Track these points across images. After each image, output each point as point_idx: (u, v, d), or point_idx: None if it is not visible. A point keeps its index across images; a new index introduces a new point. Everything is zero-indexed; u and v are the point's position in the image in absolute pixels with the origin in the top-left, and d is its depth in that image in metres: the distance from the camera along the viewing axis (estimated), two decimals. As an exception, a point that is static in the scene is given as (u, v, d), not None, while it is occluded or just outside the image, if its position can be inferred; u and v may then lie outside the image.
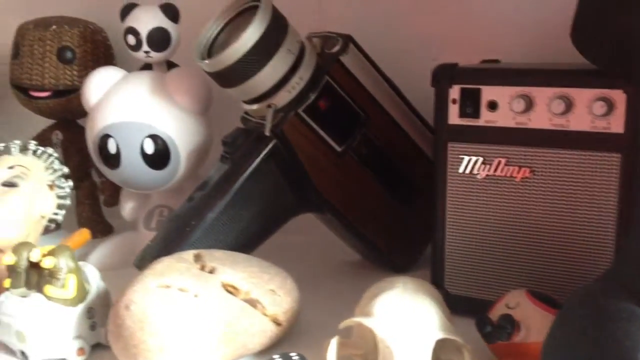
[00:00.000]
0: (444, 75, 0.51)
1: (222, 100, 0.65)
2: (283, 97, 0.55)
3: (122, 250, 0.66)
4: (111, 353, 0.47)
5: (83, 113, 0.75)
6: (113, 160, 0.62)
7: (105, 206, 0.76)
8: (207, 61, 0.54)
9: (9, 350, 0.48)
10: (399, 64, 0.63)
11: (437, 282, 0.53)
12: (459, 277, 0.53)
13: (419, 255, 0.64)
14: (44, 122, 0.79)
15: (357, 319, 0.40)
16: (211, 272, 0.46)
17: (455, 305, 0.48)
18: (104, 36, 0.75)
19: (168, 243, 0.55)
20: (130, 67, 0.69)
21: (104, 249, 0.66)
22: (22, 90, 0.73)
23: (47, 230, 0.58)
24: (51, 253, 0.46)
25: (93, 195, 0.76)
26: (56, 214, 0.56)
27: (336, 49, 0.57)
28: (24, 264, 0.47)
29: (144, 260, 0.55)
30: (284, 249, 0.59)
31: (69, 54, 0.72)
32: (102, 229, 0.76)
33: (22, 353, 0.46)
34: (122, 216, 0.70)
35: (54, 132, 0.75)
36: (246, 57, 0.53)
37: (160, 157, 0.62)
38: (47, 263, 0.45)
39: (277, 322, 0.47)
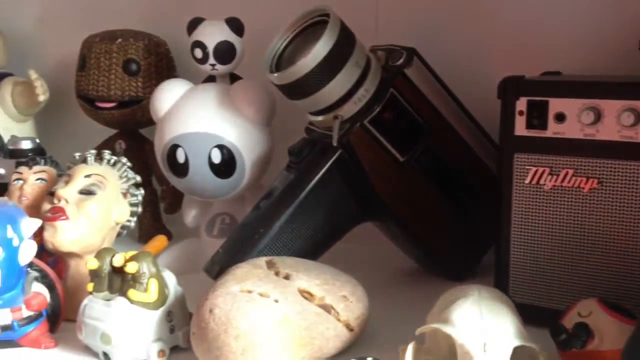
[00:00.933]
0: (511, 87, 0.52)
1: (285, 111, 0.67)
2: (349, 109, 0.57)
3: (186, 256, 0.68)
4: (188, 356, 0.49)
5: (145, 123, 0.78)
6: (181, 169, 0.64)
7: (166, 213, 0.78)
8: (276, 74, 0.56)
9: (91, 352, 0.50)
10: (459, 76, 0.64)
11: (500, 290, 0.54)
12: (523, 286, 0.54)
13: (476, 264, 0.65)
14: (106, 132, 0.82)
15: (436, 325, 0.41)
16: (286, 278, 0.47)
17: (519, 313, 0.49)
18: (167, 49, 0.77)
19: (237, 250, 0.57)
20: (189, 78, 0.72)
21: (170, 255, 0.68)
22: (88, 101, 0.76)
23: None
24: (133, 258, 0.48)
25: (154, 203, 0.78)
26: (129, 221, 0.58)
27: (400, 61, 0.58)
28: (106, 268, 0.49)
29: (214, 265, 0.57)
30: (340, 257, 0.60)
31: (134, 66, 0.74)
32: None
33: (105, 354, 0.48)
34: (185, 223, 0.72)
35: (117, 141, 0.78)
36: (315, 71, 0.54)
37: (226, 166, 0.64)
38: (131, 268, 0.47)
39: (349, 328, 0.48)
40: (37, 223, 0.51)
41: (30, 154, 0.69)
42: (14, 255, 0.49)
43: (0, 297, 0.49)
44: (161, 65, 0.76)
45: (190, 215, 0.71)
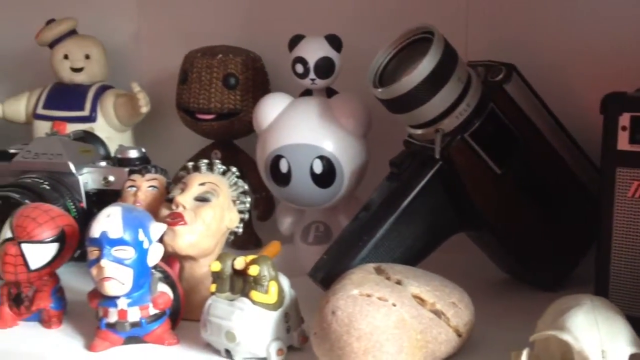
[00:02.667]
0: (614, 103, 0.54)
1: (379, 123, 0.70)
2: (450, 123, 0.59)
3: (284, 262, 0.71)
4: (302, 355, 0.52)
5: (240, 134, 0.82)
6: (283, 179, 0.67)
7: (259, 220, 0.82)
8: (380, 89, 0.59)
9: (210, 349, 0.53)
10: (552, 91, 0.66)
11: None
12: (624, 297, 0.55)
13: (568, 275, 0.66)
14: (197, 141, 0.86)
15: (552, 332, 0.43)
16: (398, 283, 0.50)
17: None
18: (262, 64, 0.81)
19: (341, 257, 0.59)
20: (281, 92, 0.75)
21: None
22: (188, 112, 0.80)
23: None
24: (254, 262, 0.51)
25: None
26: (237, 227, 0.62)
27: (500, 77, 0.61)
28: (228, 271, 0.52)
29: (319, 271, 0.60)
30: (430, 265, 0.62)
31: (232, 81, 0.78)
32: (253, 242, 0.81)
33: (227, 351, 0.51)
34: (280, 230, 0.75)
35: (214, 151, 0.82)
36: (420, 87, 0.57)
37: (326, 176, 0.67)
38: (253, 271, 0.50)
39: (458, 333, 0.50)
40: (162, 227, 0.55)
41: (137, 163, 0.73)
42: (144, 257, 0.53)
43: (131, 295, 0.53)
44: (257, 79, 0.80)
45: (285, 222, 0.74)
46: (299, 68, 0.69)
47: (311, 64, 0.68)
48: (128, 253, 0.51)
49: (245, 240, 0.76)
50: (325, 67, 0.69)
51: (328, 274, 0.59)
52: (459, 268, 0.72)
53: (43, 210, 0.57)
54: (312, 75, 0.69)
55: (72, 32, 0.88)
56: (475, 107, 0.59)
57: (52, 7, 0.94)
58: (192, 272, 0.60)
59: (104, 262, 0.51)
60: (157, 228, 0.54)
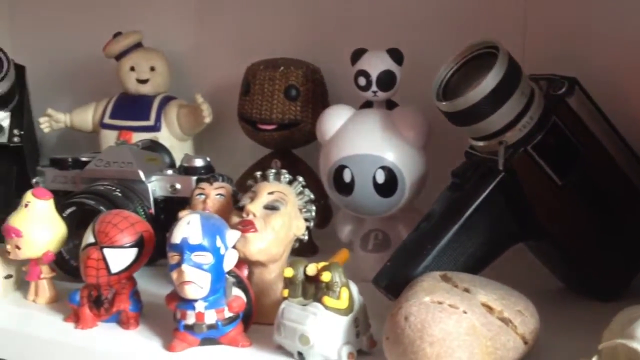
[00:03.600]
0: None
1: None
2: (513, 135, 0.61)
3: (344, 268, 0.73)
4: (369, 359, 0.54)
5: (300, 143, 0.84)
6: (347, 188, 0.69)
7: (316, 228, 0.84)
8: (444, 103, 0.61)
9: (282, 351, 0.56)
10: (611, 103, 0.67)
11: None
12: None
13: (627, 285, 0.67)
14: (253, 150, 0.89)
15: (620, 341, 0.44)
16: (466, 291, 0.52)
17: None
18: (321, 76, 0.84)
19: (405, 264, 0.61)
20: (339, 102, 0.77)
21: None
22: (250, 122, 0.83)
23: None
24: (326, 268, 0.53)
25: (304, 218, 0.84)
26: (303, 234, 0.64)
27: (563, 90, 0.62)
28: (300, 277, 0.55)
29: (383, 278, 0.62)
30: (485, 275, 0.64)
31: (294, 92, 0.81)
32: (310, 249, 0.83)
33: (300, 354, 0.53)
34: (339, 238, 0.77)
35: (274, 160, 0.84)
36: (485, 100, 0.58)
37: (388, 186, 0.69)
38: (325, 277, 0.53)
39: (524, 341, 0.52)
40: (237, 234, 0.58)
41: (202, 171, 0.76)
42: (220, 262, 0.55)
43: (207, 299, 0.55)
44: (317, 91, 0.82)
45: (345, 230, 0.76)
46: (362, 81, 0.71)
47: (373, 76, 0.70)
48: (207, 258, 0.54)
49: (302, 247, 0.78)
50: (387, 80, 0.71)
51: (392, 281, 0.61)
52: (515, 277, 0.73)
53: (123, 217, 0.60)
54: (374, 87, 0.71)
55: (138, 45, 0.91)
56: (538, 120, 0.61)
57: (117, 20, 0.98)
58: (262, 277, 0.62)
59: (184, 267, 0.54)
60: (232, 235, 0.57)
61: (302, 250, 0.80)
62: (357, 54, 0.72)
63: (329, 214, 0.83)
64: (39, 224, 0.64)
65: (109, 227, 0.59)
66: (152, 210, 0.75)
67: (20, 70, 0.92)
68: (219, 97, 0.92)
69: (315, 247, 0.84)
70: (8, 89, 0.88)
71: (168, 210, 0.74)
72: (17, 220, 0.64)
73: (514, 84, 0.59)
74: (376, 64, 0.71)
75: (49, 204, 0.65)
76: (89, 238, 0.60)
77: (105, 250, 0.59)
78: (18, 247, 0.64)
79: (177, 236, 0.54)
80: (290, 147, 0.84)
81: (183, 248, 0.54)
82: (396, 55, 0.71)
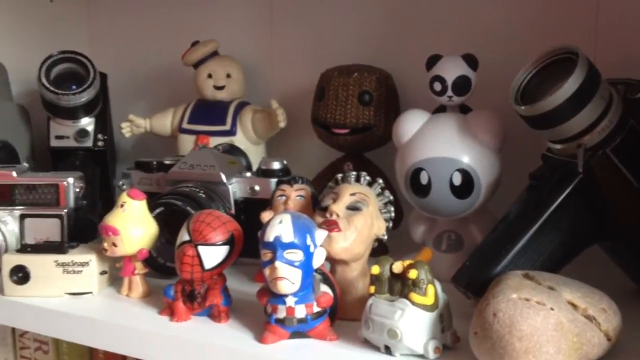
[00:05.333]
0: None
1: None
2: (592, 139, 0.62)
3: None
4: (455, 354, 0.56)
5: (371, 147, 0.87)
6: (423, 190, 0.72)
7: (389, 229, 0.86)
8: (523, 107, 0.62)
9: (368, 345, 0.58)
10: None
11: None
12: None
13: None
14: (322, 153, 0.92)
15: None
16: (551, 289, 0.53)
17: None
18: (393, 81, 0.86)
19: (485, 263, 0.63)
20: (410, 107, 0.79)
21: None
22: (324, 127, 0.86)
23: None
24: (412, 266, 0.56)
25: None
26: (383, 234, 0.67)
27: (640, 94, 0.63)
28: (386, 274, 0.57)
29: (462, 277, 0.64)
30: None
31: (367, 97, 0.83)
32: (381, 249, 0.85)
33: (387, 348, 0.56)
34: (413, 238, 0.80)
35: (346, 163, 0.87)
36: (565, 105, 0.60)
37: (465, 188, 0.71)
38: (412, 274, 0.55)
39: (608, 337, 0.53)
40: (324, 234, 0.60)
41: (280, 173, 0.79)
42: (310, 259, 0.58)
43: (297, 294, 0.58)
44: (389, 96, 0.85)
45: (418, 231, 0.79)
46: (437, 86, 0.73)
47: (449, 82, 0.73)
48: (298, 256, 0.57)
49: (374, 247, 0.81)
50: (462, 85, 0.73)
51: (472, 280, 0.63)
52: (589, 277, 0.74)
53: (215, 216, 0.64)
54: (449, 92, 0.73)
55: (215, 53, 0.95)
56: (617, 123, 0.62)
57: (193, 29, 1.02)
58: (344, 275, 0.65)
59: (277, 264, 0.57)
60: (320, 234, 0.60)
61: (374, 250, 0.82)
62: (433, 60, 0.74)
63: (400, 216, 0.85)
64: (133, 223, 0.68)
65: (203, 225, 0.63)
66: (233, 211, 0.78)
67: (103, 77, 0.97)
68: (290, 102, 0.95)
69: (386, 247, 0.87)
70: (94, 96, 0.93)
71: (247, 211, 0.78)
72: (114, 219, 0.68)
73: (593, 88, 0.60)
74: (452, 69, 0.73)
75: (142, 205, 0.69)
76: (184, 236, 0.63)
77: (200, 248, 0.62)
78: (115, 245, 0.68)
79: (270, 234, 0.57)
80: (363, 150, 0.87)
81: (276, 246, 0.57)
82: (471, 60, 0.73)
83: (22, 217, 0.71)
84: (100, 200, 0.96)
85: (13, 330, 0.94)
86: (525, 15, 0.83)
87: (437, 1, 0.88)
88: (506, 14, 0.84)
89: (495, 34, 0.84)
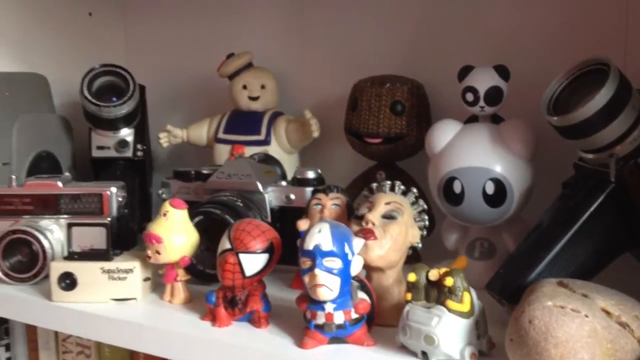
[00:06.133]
0: None
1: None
2: (624, 148, 0.63)
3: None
4: (489, 360, 0.58)
5: (404, 156, 0.89)
6: (456, 199, 0.73)
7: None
8: (556, 117, 0.64)
9: (404, 351, 0.60)
10: None
11: None
12: None
13: None
14: (352, 162, 0.94)
15: None
16: (585, 296, 0.55)
17: None
18: (424, 91, 0.88)
19: (518, 272, 0.64)
20: (441, 117, 0.81)
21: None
22: (357, 136, 0.88)
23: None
24: (448, 274, 0.57)
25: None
26: (418, 242, 0.68)
27: (672, 104, 0.64)
28: (423, 281, 0.59)
29: (496, 284, 0.65)
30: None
31: (399, 107, 0.85)
32: (414, 257, 0.87)
33: (424, 353, 0.57)
34: (445, 245, 0.81)
35: (379, 172, 0.89)
36: (596, 115, 0.61)
37: (498, 197, 0.72)
38: (448, 282, 0.57)
39: (641, 344, 0.54)
40: (361, 242, 0.62)
41: (314, 182, 0.82)
42: (348, 267, 0.60)
43: (336, 301, 0.60)
44: (421, 105, 0.87)
45: (451, 239, 0.80)
46: (469, 96, 0.75)
47: (481, 92, 0.74)
48: (336, 263, 0.59)
49: (407, 254, 0.82)
50: (494, 96, 0.74)
51: (506, 288, 0.64)
52: (619, 285, 0.75)
53: (255, 225, 0.66)
54: (481, 103, 0.74)
55: (249, 65, 0.98)
56: (648, 133, 0.63)
57: (227, 41, 1.05)
58: (380, 282, 0.67)
59: (317, 271, 0.59)
60: (357, 242, 0.61)
61: (407, 258, 0.84)
62: (465, 71, 0.76)
63: (432, 223, 0.86)
64: (176, 231, 0.71)
65: (244, 234, 0.65)
66: (269, 219, 0.80)
67: (141, 89, 1.00)
68: (322, 111, 0.97)
69: (419, 255, 0.88)
70: (133, 108, 0.96)
71: (283, 219, 0.80)
72: (157, 227, 0.70)
73: (625, 99, 0.62)
74: (484, 80, 0.74)
75: (184, 213, 0.72)
76: (225, 244, 0.66)
77: (241, 255, 0.64)
78: (158, 252, 0.70)
79: (309, 243, 0.59)
80: (395, 159, 0.89)
81: (315, 254, 0.59)
82: (503, 71, 0.75)
83: (70, 225, 0.74)
84: (140, 209, 0.99)
85: (56, 334, 0.97)
86: (556, 26, 0.84)
87: (469, 12, 0.90)
88: (537, 25, 0.86)
89: (526, 45, 0.86)
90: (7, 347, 1.01)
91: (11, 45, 1.02)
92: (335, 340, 0.61)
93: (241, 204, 0.79)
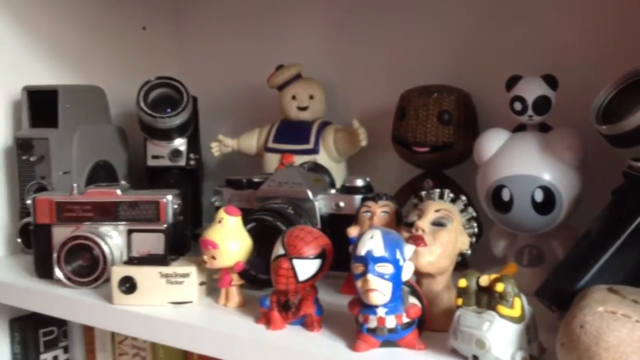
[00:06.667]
0: None
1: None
2: None
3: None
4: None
5: (451, 164, 0.90)
6: (505, 206, 0.74)
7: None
8: (604, 126, 0.65)
9: (455, 355, 0.61)
10: None
11: None
12: None
13: None
14: (396, 170, 0.95)
15: None
16: (635, 302, 0.55)
17: None
18: (471, 100, 0.89)
19: (568, 278, 0.65)
20: (487, 126, 0.82)
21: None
22: (405, 145, 0.89)
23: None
24: (499, 280, 0.59)
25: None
26: (467, 249, 0.69)
27: None
28: (473, 287, 0.60)
29: (546, 291, 0.66)
30: None
31: (446, 117, 0.86)
32: (461, 264, 0.88)
33: (475, 357, 0.59)
34: (494, 253, 0.82)
35: (426, 180, 0.90)
36: (646, 125, 0.62)
37: (547, 204, 0.73)
38: (499, 287, 0.58)
39: (695, 351, 0.54)
40: (412, 248, 0.64)
41: (363, 190, 0.83)
42: (399, 272, 0.62)
43: (387, 305, 0.62)
44: (468, 115, 0.88)
45: (499, 246, 0.81)
46: (517, 106, 0.76)
47: (529, 102, 0.75)
48: (388, 269, 0.61)
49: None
50: (542, 105, 0.75)
51: (556, 294, 0.65)
52: None
53: (307, 231, 0.68)
54: (530, 112, 0.75)
55: (298, 76, 1.00)
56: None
57: (275, 53, 1.08)
58: (430, 288, 0.68)
59: (369, 276, 0.60)
60: (408, 248, 0.63)
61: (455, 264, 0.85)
62: (513, 81, 0.77)
63: (480, 231, 0.87)
64: (231, 237, 0.73)
65: (297, 240, 0.67)
66: (319, 226, 0.82)
67: (194, 100, 1.03)
68: (369, 120, 0.99)
69: (466, 262, 0.89)
70: (187, 118, 1.00)
71: (332, 226, 0.82)
72: (213, 234, 0.73)
73: (675, 107, 0.62)
74: (532, 89, 0.75)
75: (238, 220, 0.74)
76: (279, 250, 0.68)
77: (294, 261, 0.67)
78: (214, 258, 0.73)
79: (362, 249, 0.61)
80: (442, 168, 0.90)
81: (368, 259, 0.61)
82: (551, 80, 0.76)
83: (130, 231, 0.77)
84: (193, 216, 1.02)
85: (112, 337, 1.01)
86: (603, 35, 0.85)
87: (514, 22, 0.91)
88: (584, 34, 0.86)
89: (573, 55, 0.86)
90: (66, 349, 1.05)
91: (72, 60, 1.06)
92: (387, 343, 0.63)
93: (292, 211, 0.81)
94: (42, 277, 0.85)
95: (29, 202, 0.91)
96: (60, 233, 0.83)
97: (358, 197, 0.82)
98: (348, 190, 0.84)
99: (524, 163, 0.73)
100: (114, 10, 1.12)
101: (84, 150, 0.98)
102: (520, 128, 0.79)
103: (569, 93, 0.78)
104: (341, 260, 0.70)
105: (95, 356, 1.03)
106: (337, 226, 0.79)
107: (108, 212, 0.84)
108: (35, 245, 0.86)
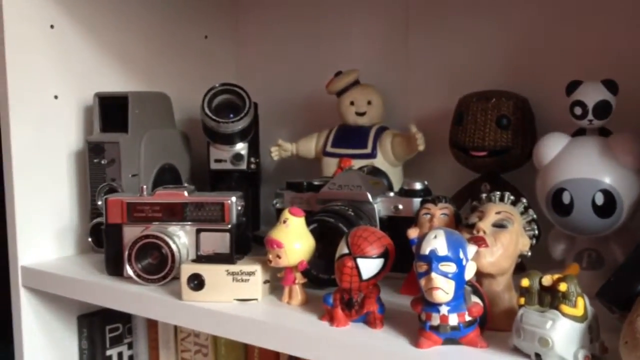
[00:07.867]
0: None
1: None
2: None
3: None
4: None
5: (509, 168, 0.91)
6: (565, 209, 0.75)
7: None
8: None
9: (517, 353, 0.62)
10: None
11: None
12: None
13: None
14: (460, 175, 0.96)
15: None
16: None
17: None
18: (529, 105, 0.90)
19: (629, 280, 0.66)
20: (544, 130, 0.83)
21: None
22: (463, 150, 0.91)
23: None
24: (562, 280, 0.60)
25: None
26: (527, 251, 0.71)
27: None
28: (536, 286, 0.61)
29: (608, 292, 0.67)
30: None
31: (505, 121, 0.87)
32: (518, 266, 0.89)
33: (537, 355, 0.60)
34: (552, 256, 0.83)
35: (483, 183, 0.92)
36: None
37: (607, 208, 0.73)
38: (562, 287, 0.59)
39: None
40: (474, 249, 0.65)
41: (421, 193, 0.85)
42: (462, 272, 0.63)
43: (450, 304, 0.63)
44: (526, 119, 0.89)
45: (558, 249, 0.82)
46: (578, 110, 0.77)
47: (590, 106, 0.76)
48: (451, 268, 0.62)
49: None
50: (603, 110, 0.76)
51: (617, 296, 0.65)
52: None
53: (371, 232, 0.70)
54: (590, 116, 0.76)
55: (356, 82, 1.03)
56: None
57: (333, 59, 1.11)
58: (491, 288, 0.69)
59: (433, 275, 0.62)
60: (471, 249, 0.65)
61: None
62: (573, 86, 0.78)
63: (539, 235, 0.88)
64: (295, 237, 0.76)
65: (361, 240, 0.69)
66: (378, 227, 0.84)
67: (255, 106, 1.07)
68: (426, 125, 1.01)
69: (523, 264, 0.90)
70: (248, 124, 1.03)
71: (391, 228, 0.84)
72: (278, 234, 0.76)
73: None
74: (592, 94, 0.76)
75: (302, 221, 0.77)
76: (343, 249, 0.70)
77: (358, 260, 0.69)
78: (279, 257, 0.76)
79: (425, 248, 0.63)
80: (500, 172, 0.91)
81: (431, 258, 0.63)
82: (611, 85, 0.76)
83: (198, 231, 0.81)
84: (253, 218, 1.05)
85: (175, 333, 1.04)
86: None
87: (573, 27, 0.92)
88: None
89: (633, 60, 0.86)
90: (130, 346, 1.10)
91: (139, 68, 1.11)
92: (449, 341, 0.65)
93: (352, 213, 0.83)
94: (112, 275, 0.89)
95: (100, 203, 0.95)
96: (131, 232, 0.87)
97: (417, 200, 0.83)
98: (406, 193, 0.86)
99: (584, 167, 0.74)
100: (177, 21, 1.17)
101: (151, 154, 1.02)
102: (579, 132, 0.80)
103: (628, 98, 0.79)
104: (399, 262, 0.72)
105: (158, 352, 1.07)
106: (395, 228, 0.81)
107: (176, 213, 0.88)
108: (107, 244, 0.90)
